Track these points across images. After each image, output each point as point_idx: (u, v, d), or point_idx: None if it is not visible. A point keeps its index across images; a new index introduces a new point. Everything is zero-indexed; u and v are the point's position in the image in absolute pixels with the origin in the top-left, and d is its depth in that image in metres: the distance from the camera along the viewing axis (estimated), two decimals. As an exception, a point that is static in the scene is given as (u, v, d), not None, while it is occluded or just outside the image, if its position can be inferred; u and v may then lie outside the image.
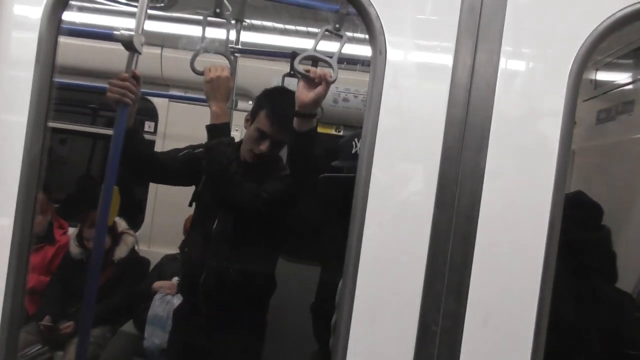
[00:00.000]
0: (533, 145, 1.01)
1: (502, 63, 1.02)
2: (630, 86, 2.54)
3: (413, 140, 1.05)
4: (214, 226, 2.23)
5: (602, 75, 2.87)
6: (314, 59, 1.66)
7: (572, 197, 1.69)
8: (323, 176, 2.01)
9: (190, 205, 2.39)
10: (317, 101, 1.79)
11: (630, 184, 2.40)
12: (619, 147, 2.54)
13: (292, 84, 2.91)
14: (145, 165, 2.20)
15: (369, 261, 1.03)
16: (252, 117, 2.23)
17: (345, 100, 4.03)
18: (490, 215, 1.00)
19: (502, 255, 1.01)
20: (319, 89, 1.74)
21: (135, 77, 1.93)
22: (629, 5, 0.98)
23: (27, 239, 1.17)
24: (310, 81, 1.74)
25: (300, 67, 1.68)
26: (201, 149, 2.34)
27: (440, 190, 1.01)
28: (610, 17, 0.99)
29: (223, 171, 2.12)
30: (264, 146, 2.15)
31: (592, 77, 2.95)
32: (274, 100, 2.18)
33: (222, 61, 2.24)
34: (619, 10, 0.99)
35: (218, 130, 2.15)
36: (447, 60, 1.03)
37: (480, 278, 1.00)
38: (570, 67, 0.99)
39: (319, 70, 1.72)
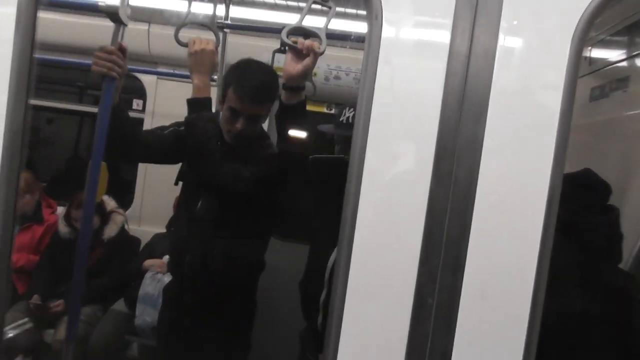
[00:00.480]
0: (532, 119, 0.99)
1: (502, 31, 0.99)
2: (624, 63, 2.52)
3: (410, 112, 1.02)
4: (198, 206, 2.20)
5: (597, 52, 2.84)
6: (302, 32, 1.62)
7: (579, 176, 1.62)
8: (312, 157, 1.98)
9: (176, 184, 2.36)
10: (305, 73, 1.75)
11: (623, 161, 2.40)
12: (612, 124, 2.54)
13: (282, 60, 2.86)
14: (131, 145, 2.13)
15: (364, 236, 1.01)
16: (222, 97, 2.17)
17: (337, 78, 3.99)
18: (487, 189, 0.99)
19: (499, 229, 0.99)
20: (307, 60, 1.71)
21: (122, 50, 1.87)
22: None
23: (11, 218, 1.14)
24: (298, 53, 1.71)
25: (288, 40, 1.64)
26: (183, 127, 2.31)
27: (437, 163, 0.99)
28: (613, -16, 0.96)
29: (202, 147, 2.08)
30: (239, 124, 2.08)
31: (587, 54, 2.93)
32: (239, 75, 2.11)
33: (210, 36, 2.18)
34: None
35: (199, 104, 2.11)
36: (446, 26, 1.00)
37: (477, 252, 0.99)
38: (570, 39, 0.97)
39: (307, 41, 1.68)
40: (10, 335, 3.09)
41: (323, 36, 1.44)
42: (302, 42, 1.68)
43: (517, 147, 0.99)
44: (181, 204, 2.36)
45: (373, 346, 1.02)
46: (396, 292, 1.00)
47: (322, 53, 1.63)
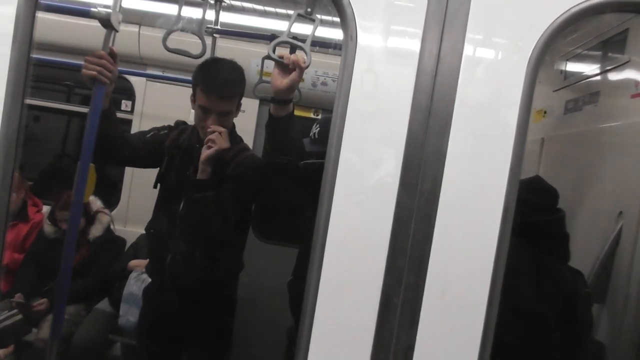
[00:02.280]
0: (492, 132, 1.07)
1: (467, 51, 1.07)
2: (597, 78, 2.63)
3: (381, 124, 1.10)
4: (180, 208, 2.25)
5: (572, 67, 2.96)
6: (288, 44, 1.68)
7: (530, 182, 1.79)
8: (303, 163, 2.04)
9: (155, 186, 2.41)
10: (292, 87, 1.82)
11: (594, 172, 2.50)
12: (584, 137, 2.64)
13: (271, 66, 2.93)
14: (117, 149, 2.20)
15: (336, 238, 1.09)
16: (193, 95, 2.25)
17: (324, 84, 4.06)
18: (450, 196, 1.07)
19: (460, 233, 1.07)
20: (293, 75, 1.77)
21: (112, 55, 1.92)
22: (585, 0, 1.05)
23: (4, 217, 1.19)
24: (285, 67, 1.76)
25: (275, 54, 1.69)
26: (165, 130, 2.37)
27: (405, 172, 1.07)
28: (568, 10, 1.05)
29: (180, 148, 2.20)
30: (210, 121, 2.16)
31: (563, 67, 3.04)
32: (205, 74, 2.20)
33: (196, 41, 2.22)
34: (576, 5, 1.04)
35: (201, 185, 2.19)
36: (415, 47, 1.08)
37: (440, 254, 1.07)
38: (529, 57, 1.05)
39: (293, 56, 1.74)
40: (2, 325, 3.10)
41: (308, 49, 1.50)
42: (288, 57, 1.74)
43: (477, 158, 1.07)
44: (160, 206, 2.40)
45: (343, 340, 1.09)
46: (364, 291, 1.08)
47: (307, 66, 1.68)
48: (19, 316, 3.23)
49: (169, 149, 2.34)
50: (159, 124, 2.50)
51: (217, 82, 2.16)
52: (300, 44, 1.49)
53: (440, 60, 1.07)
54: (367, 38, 1.09)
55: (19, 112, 1.13)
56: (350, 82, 1.08)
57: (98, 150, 1.93)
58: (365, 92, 1.09)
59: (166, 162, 2.33)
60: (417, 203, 1.07)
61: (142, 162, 2.47)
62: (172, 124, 2.47)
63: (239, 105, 2.30)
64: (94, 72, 1.87)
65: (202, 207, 2.20)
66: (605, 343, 1.98)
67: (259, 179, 2.22)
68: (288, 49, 1.91)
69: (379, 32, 1.10)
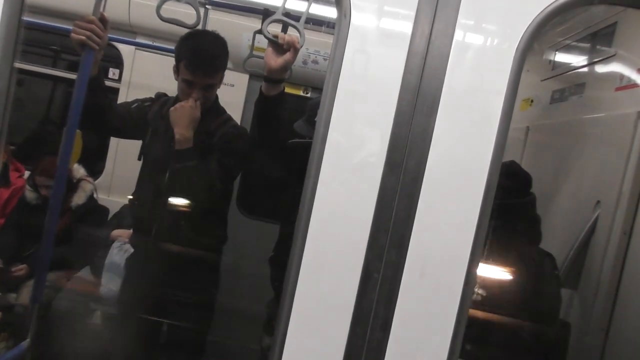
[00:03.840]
0: (477, 116, 1.10)
1: (457, 35, 1.09)
2: (584, 69, 2.67)
3: (370, 103, 1.11)
4: (165, 179, 2.27)
5: (560, 57, 2.99)
6: (281, 23, 1.67)
7: (505, 165, 1.85)
8: (291, 142, 2.05)
9: (139, 158, 2.41)
10: (286, 67, 1.82)
11: (575, 161, 2.56)
12: (568, 127, 2.69)
13: (263, 41, 2.90)
14: (104, 117, 2.19)
15: (320, 215, 1.11)
16: (176, 67, 2.25)
17: (315, 62, 4.04)
18: (434, 176, 1.10)
19: (442, 213, 1.11)
20: (288, 55, 1.76)
21: (103, 21, 1.90)
22: (576, -9, 1.06)
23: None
24: (279, 47, 1.75)
25: (269, 32, 1.67)
26: (148, 102, 2.38)
27: (391, 151, 1.09)
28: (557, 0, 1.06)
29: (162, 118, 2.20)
30: (194, 95, 2.18)
31: (551, 57, 3.07)
32: (189, 49, 2.20)
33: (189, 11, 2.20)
34: (567, -5, 1.06)
35: (181, 156, 2.16)
36: (407, 28, 1.09)
37: (421, 233, 1.10)
38: (516, 45, 1.07)
39: (287, 36, 1.73)
40: None
41: (301, 29, 1.48)
42: (283, 37, 1.73)
43: (462, 140, 1.10)
44: (144, 177, 2.41)
45: (323, 313, 1.12)
46: (346, 266, 1.11)
47: (301, 46, 1.68)
48: None
49: (152, 121, 2.34)
50: (146, 94, 2.48)
51: (202, 59, 2.16)
52: (294, 22, 1.48)
53: (431, 43, 1.09)
54: (361, 17, 1.10)
55: (8, 75, 1.12)
56: (342, 60, 1.09)
57: (85, 117, 1.92)
58: (356, 71, 1.10)
59: (150, 133, 2.33)
60: (401, 182, 1.10)
61: (128, 134, 2.47)
62: (154, 97, 2.46)
63: (222, 76, 2.30)
64: (83, 37, 1.85)
65: (185, 178, 2.21)
66: (575, 326, 2.06)
67: (244, 149, 2.24)
68: (280, 27, 1.90)
69: (373, 11, 1.11)
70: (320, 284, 1.12)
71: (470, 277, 1.09)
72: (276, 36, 1.73)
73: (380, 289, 1.10)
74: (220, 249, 2.46)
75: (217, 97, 2.36)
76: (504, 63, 1.08)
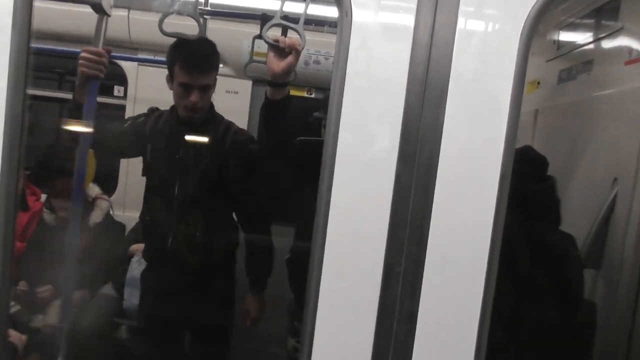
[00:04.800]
0: (487, 103, 1.09)
1: (460, 23, 1.08)
2: (590, 46, 2.64)
3: (378, 98, 1.12)
4: (175, 192, 2.29)
5: (565, 36, 2.96)
6: (281, 27, 1.67)
7: (520, 152, 1.84)
8: (299, 140, 2.05)
9: (143, 174, 2.42)
10: (289, 70, 1.81)
11: (588, 140, 2.53)
12: (578, 106, 2.66)
13: (262, 46, 2.91)
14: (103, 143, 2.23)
15: (338, 213, 1.11)
16: (170, 76, 2.26)
17: (316, 62, 4.04)
18: (447, 167, 1.09)
19: (459, 203, 1.10)
20: (290, 58, 1.76)
21: (108, 52, 1.94)
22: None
23: (13, 204, 1.20)
24: (280, 51, 1.75)
25: (269, 37, 1.68)
26: (142, 118, 2.39)
27: (403, 145, 1.10)
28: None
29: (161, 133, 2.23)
30: (193, 97, 2.19)
31: (555, 37, 3.04)
32: (182, 52, 2.22)
33: (192, 23, 2.23)
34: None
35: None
36: (409, 21, 1.09)
37: (439, 225, 1.10)
38: (521, 28, 1.07)
39: (288, 39, 1.74)
40: None
41: (301, 31, 1.48)
42: (284, 41, 1.73)
43: (473, 129, 1.10)
44: (152, 193, 2.41)
45: (347, 310, 1.13)
46: (367, 262, 1.11)
47: (302, 48, 1.68)
48: (16, 308, 3.26)
49: (150, 136, 2.35)
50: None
51: (196, 57, 2.19)
52: (293, 25, 1.48)
53: (435, 33, 1.09)
54: (362, 14, 1.10)
55: (22, 101, 1.14)
56: (347, 58, 1.09)
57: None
58: (362, 68, 1.10)
59: (150, 149, 2.34)
60: (416, 175, 1.10)
61: (125, 153, 2.53)
62: (146, 112, 2.47)
63: (216, 79, 2.32)
64: (95, 72, 1.89)
65: (195, 187, 2.23)
66: (601, 307, 2.03)
67: (256, 154, 2.25)
68: (280, 31, 1.90)
69: (374, 7, 1.11)
70: (344, 281, 1.12)
71: (493, 265, 1.08)
72: (277, 40, 1.73)
73: (403, 282, 1.10)
74: (234, 254, 2.48)
75: (212, 104, 2.37)
76: (510, 47, 1.07)
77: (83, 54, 1.90)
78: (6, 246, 1.19)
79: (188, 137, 2.31)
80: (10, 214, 1.19)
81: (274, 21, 1.52)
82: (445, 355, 1.13)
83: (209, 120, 2.34)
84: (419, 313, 1.10)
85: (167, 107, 2.47)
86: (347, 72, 1.09)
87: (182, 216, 2.30)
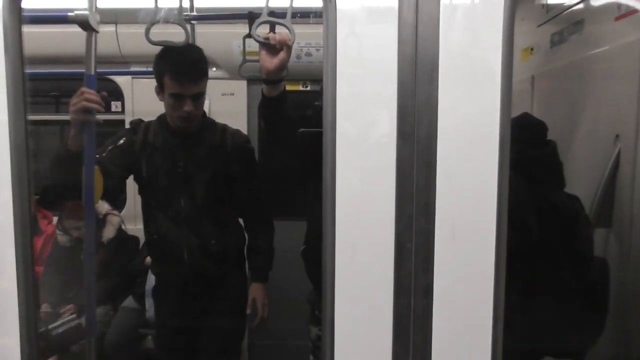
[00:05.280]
0: (478, 75, 1.11)
1: (443, 2, 1.09)
2: (579, 6, 2.62)
3: (371, 81, 1.13)
4: (182, 204, 2.28)
5: (552, -1, 2.95)
6: (269, 24, 1.67)
7: (518, 119, 1.87)
8: (301, 131, 2.07)
9: (140, 192, 2.38)
10: (282, 66, 1.81)
11: (587, 100, 2.53)
12: (573, 67, 2.66)
13: (253, 45, 2.92)
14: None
15: (345, 196, 1.14)
16: (160, 87, 2.22)
17: (308, 54, 4.04)
18: (446, 141, 1.11)
19: (461, 174, 1.12)
20: (282, 54, 1.76)
21: (102, 97, 1.94)
22: None
23: (28, 230, 1.24)
24: (272, 48, 1.76)
25: (259, 35, 1.67)
26: (124, 138, 2.31)
27: (401, 124, 1.11)
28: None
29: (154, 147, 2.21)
30: (187, 106, 2.16)
31: (544, 1, 3.03)
32: (170, 62, 2.18)
33: (179, 30, 2.24)
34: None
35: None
36: (393, 4, 1.11)
37: (444, 198, 1.12)
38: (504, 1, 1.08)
39: (278, 36, 1.74)
40: (59, 331, 3.17)
41: (290, 25, 1.49)
42: (274, 38, 1.73)
43: (467, 100, 1.11)
44: (155, 209, 2.36)
45: (365, 291, 1.15)
46: (378, 241, 1.14)
47: (293, 43, 1.68)
48: (76, 321, 3.27)
49: (142, 153, 2.29)
50: (151, 118, 2.51)
51: (186, 66, 2.16)
52: (281, 21, 1.48)
53: (419, 10, 1.10)
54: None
55: (24, 128, 1.17)
56: (335, 45, 1.11)
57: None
58: (352, 53, 1.12)
59: (145, 164, 2.29)
60: (416, 151, 1.12)
61: (125, 177, 2.39)
62: (129, 129, 2.41)
63: (206, 85, 2.29)
64: (87, 116, 1.87)
65: (202, 193, 2.25)
66: (614, 263, 2.05)
67: (254, 153, 2.27)
68: (268, 27, 1.91)
69: (356, -11, 1.12)
70: (357, 262, 1.15)
71: (502, 231, 1.10)
72: (267, 38, 1.74)
73: (415, 257, 1.13)
74: (244, 252, 2.50)
75: (204, 111, 2.36)
76: (495, 15, 1.08)
77: (72, 101, 1.88)
78: (27, 270, 1.23)
79: (187, 147, 2.28)
80: (27, 240, 1.22)
81: (261, 19, 1.53)
82: (464, 323, 1.15)
83: (204, 127, 2.32)
84: (434, 286, 1.13)
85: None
86: (337, 59, 1.11)
87: (194, 227, 2.29)
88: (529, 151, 1.79)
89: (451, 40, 1.10)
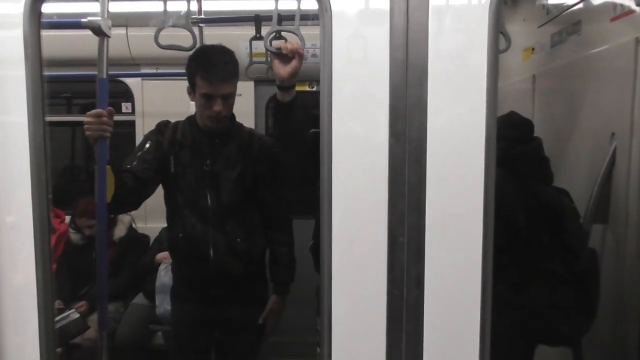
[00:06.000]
0: (465, 77, 1.18)
1: (432, 4, 1.16)
2: (578, 6, 2.67)
3: (365, 84, 1.20)
4: (209, 203, 2.32)
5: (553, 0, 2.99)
6: (279, 32, 1.75)
7: (506, 117, 1.94)
8: (312, 131, 2.13)
9: (166, 191, 2.40)
10: (295, 73, 1.88)
11: (585, 99, 2.57)
12: (573, 67, 2.70)
13: (259, 47, 2.98)
14: (128, 193, 2.21)
15: (340, 192, 1.21)
16: (191, 88, 2.28)
17: (314, 55, 4.10)
18: (436, 140, 1.18)
19: (450, 171, 1.19)
20: (294, 62, 1.84)
21: (109, 112, 2.02)
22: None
23: (47, 228, 1.32)
24: (284, 56, 1.83)
25: (272, 47, 1.76)
26: (149, 141, 2.36)
27: (393, 124, 1.18)
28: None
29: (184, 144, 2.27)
30: (217, 106, 2.22)
31: (544, 2, 3.07)
32: (201, 62, 2.25)
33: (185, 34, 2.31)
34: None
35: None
36: (385, 7, 1.18)
37: (435, 193, 1.19)
38: (489, 2, 1.14)
39: (289, 44, 1.81)
40: (59, 325, 3.25)
41: (299, 33, 1.55)
42: (286, 47, 1.81)
43: (455, 101, 1.18)
44: (181, 208, 2.38)
45: (359, 282, 1.23)
46: (372, 235, 1.21)
47: (304, 49, 1.76)
48: (77, 315, 3.34)
49: (170, 152, 2.33)
50: (161, 119, 2.57)
51: (218, 66, 2.22)
52: (292, 29, 1.55)
53: (410, 16, 1.16)
54: (340, 7, 1.19)
55: (42, 130, 1.24)
56: (331, 50, 1.18)
57: (114, 205, 2.07)
58: (347, 58, 1.19)
59: (173, 162, 2.33)
60: (408, 149, 1.19)
61: (156, 186, 2.41)
62: (154, 130, 2.45)
63: (236, 87, 2.34)
64: (100, 133, 1.98)
65: (229, 192, 2.31)
66: (611, 258, 2.10)
67: (279, 158, 2.32)
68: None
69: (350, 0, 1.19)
70: (353, 255, 1.22)
71: (488, 224, 1.17)
72: (279, 48, 1.81)
73: (407, 250, 1.19)
74: (265, 254, 2.54)
75: (233, 114, 2.41)
76: (480, 20, 1.15)
77: (85, 119, 1.97)
78: (45, 268, 1.31)
79: (215, 146, 2.34)
80: (45, 238, 1.30)
81: (272, 29, 1.61)
82: (454, 312, 1.22)
83: (233, 128, 2.39)
84: (425, 277, 1.20)
85: (173, 118, 2.52)
86: (333, 63, 1.18)
87: (221, 225, 2.33)
88: (515, 147, 1.86)
89: (440, 45, 1.16)
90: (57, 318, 3.27)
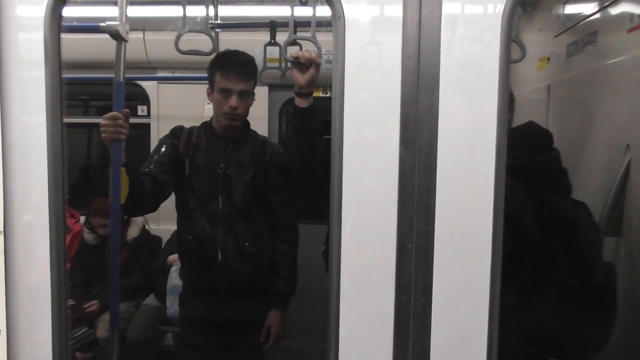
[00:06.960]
0: (476, 86, 1.18)
1: (445, 14, 1.17)
2: (593, 17, 2.65)
3: (377, 92, 1.21)
4: (220, 206, 2.36)
5: (569, 9, 2.98)
6: (295, 41, 1.79)
7: (524, 127, 1.92)
8: (326, 137, 2.14)
9: (178, 193, 2.42)
10: (313, 80, 1.93)
11: (600, 110, 2.55)
12: (588, 77, 2.68)
13: (274, 52, 3.01)
14: (147, 196, 2.24)
15: (350, 199, 1.22)
16: (211, 87, 2.35)
17: (328, 62, 4.10)
18: (446, 148, 1.19)
19: (460, 179, 1.19)
20: (312, 70, 1.89)
21: (125, 115, 2.05)
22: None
23: (62, 228, 1.35)
24: (302, 65, 1.88)
25: (290, 57, 1.80)
26: (166, 144, 2.40)
27: (403, 131, 1.19)
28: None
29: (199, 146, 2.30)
30: (232, 101, 2.28)
31: (561, 12, 3.06)
32: (223, 61, 2.32)
33: (205, 38, 2.34)
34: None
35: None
36: (397, 17, 1.19)
37: (444, 201, 1.19)
38: (502, 11, 1.14)
39: (306, 53, 1.86)
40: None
41: (316, 42, 1.58)
42: (303, 56, 1.85)
43: (466, 110, 1.18)
44: (193, 210, 2.41)
45: (367, 288, 1.23)
46: (381, 241, 1.21)
47: (320, 57, 1.80)
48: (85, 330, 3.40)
49: (185, 155, 2.38)
50: (175, 123, 2.61)
51: (237, 63, 2.31)
52: (309, 38, 1.58)
53: (422, 26, 1.18)
54: (354, 16, 1.20)
55: (60, 132, 1.27)
56: (344, 58, 1.20)
57: (129, 206, 2.09)
58: (359, 66, 1.20)
59: (187, 164, 2.37)
60: (418, 157, 1.19)
61: (171, 190, 2.42)
62: (169, 134, 2.48)
63: (254, 88, 2.40)
64: (115, 136, 2.01)
65: (241, 197, 2.34)
66: (625, 271, 2.07)
67: (290, 167, 2.36)
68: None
69: (364, 8, 1.21)
70: (361, 261, 1.22)
71: (497, 232, 1.16)
72: (297, 57, 1.86)
73: (415, 257, 1.20)
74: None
75: (248, 122, 2.46)
76: (493, 29, 1.15)
77: (102, 122, 2.01)
78: (60, 267, 1.33)
79: (229, 150, 2.39)
80: (60, 238, 1.33)
81: (289, 38, 1.64)
82: (461, 320, 1.21)
83: (247, 134, 2.44)
84: (433, 285, 1.20)
85: (187, 121, 2.56)
86: (345, 70, 1.20)
87: (230, 229, 2.37)
88: (532, 157, 1.84)
89: (451, 55, 1.17)
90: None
